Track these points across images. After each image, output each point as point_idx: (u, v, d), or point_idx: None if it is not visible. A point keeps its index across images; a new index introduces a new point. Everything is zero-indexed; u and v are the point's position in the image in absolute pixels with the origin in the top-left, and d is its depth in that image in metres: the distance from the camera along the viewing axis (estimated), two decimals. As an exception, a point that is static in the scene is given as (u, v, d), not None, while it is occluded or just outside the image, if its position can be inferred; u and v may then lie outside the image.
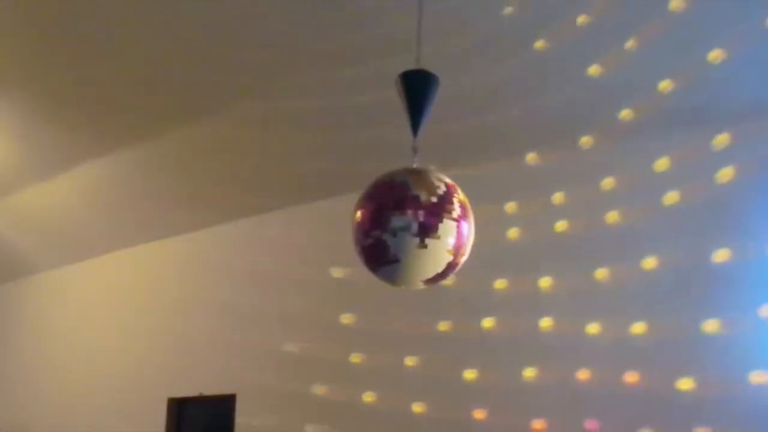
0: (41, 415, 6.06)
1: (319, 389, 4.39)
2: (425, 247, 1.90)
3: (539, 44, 3.11)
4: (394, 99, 2.17)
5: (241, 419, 4.74)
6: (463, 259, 2.01)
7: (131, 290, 5.79)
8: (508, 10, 2.96)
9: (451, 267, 1.99)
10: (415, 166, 2.06)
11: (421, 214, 1.90)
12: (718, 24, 2.89)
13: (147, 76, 3.71)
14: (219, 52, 3.45)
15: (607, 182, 3.59)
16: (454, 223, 1.94)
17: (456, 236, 1.95)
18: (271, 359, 4.67)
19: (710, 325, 3.18)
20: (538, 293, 3.69)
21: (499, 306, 3.79)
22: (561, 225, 3.69)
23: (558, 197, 3.72)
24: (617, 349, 3.41)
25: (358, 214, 2.00)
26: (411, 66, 2.14)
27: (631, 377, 3.33)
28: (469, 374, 3.79)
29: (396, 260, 1.92)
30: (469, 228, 1.99)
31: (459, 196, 1.99)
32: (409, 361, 4.05)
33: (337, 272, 4.47)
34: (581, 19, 2.94)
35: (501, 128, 3.69)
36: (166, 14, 3.23)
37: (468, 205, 2.02)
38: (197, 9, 3.18)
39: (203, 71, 3.61)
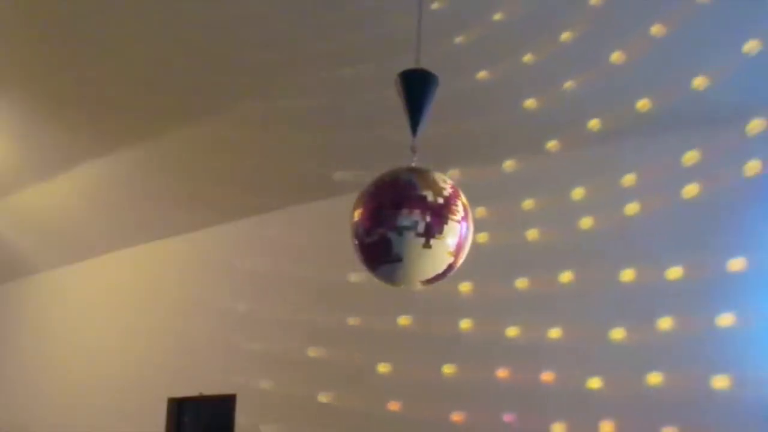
0: (41, 415, 6.06)
1: (319, 390, 4.38)
2: (429, 247, 1.90)
3: (540, 45, 3.11)
4: (394, 99, 2.17)
5: (241, 419, 4.74)
6: (461, 261, 2.02)
7: (131, 290, 5.79)
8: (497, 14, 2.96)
9: (450, 268, 2.00)
10: (413, 165, 2.06)
11: (428, 214, 1.90)
12: (701, 42, 2.88)
13: (147, 76, 3.71)
14: (219, 52, 3.45)
15: (619, 182, 3.56)
16: (458, 225, 1.95)
17: (458, 238, 1.95)
18: (271, 359, 4.67)
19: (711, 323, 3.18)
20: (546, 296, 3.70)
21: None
22: (586, 222, 3.62)
23: (578, 192, 3.68)
24: (580, 353, 3.46)
25: (360, 211, 1.99)
26: (411, 66, 2.14)
27: (547, 376, 3.46)
28: (501, 374, 3.72)
29: (398, 259, 1.92)
30: (468, 230, 2.00)
31: (462, 199, 2.00)
32: (408, 361, 4.06)
33: (337, 273, 4.47)
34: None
35: (501, 128, 3.69)
36: (166, 14, 3.24)
37: (468, 208, 2.02)
38: (197, 9, 3.18)
39: (203, 71, 3.61)
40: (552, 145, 3.70)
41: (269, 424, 4.56)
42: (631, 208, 3.48)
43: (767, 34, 2.85)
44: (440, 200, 1.93)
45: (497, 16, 3.00)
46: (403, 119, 2.13)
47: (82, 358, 5.92)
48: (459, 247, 1.97)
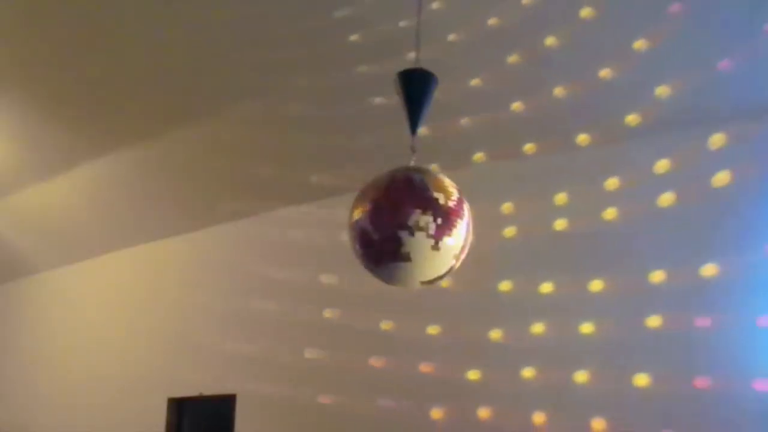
0: (41, 415, 6.06)
1: (319, 390, 4.38)
2: (438, 249, 1.92)
3: (544, 43, 3.12)
4: (394, 99, 2.17)
5: (241, 419, 4.74)
6: (458, 264, 2.03)
7: (131, 290, 5.79)
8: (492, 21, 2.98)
9: (450, 270, 2.01)
10: (412, 164, 2.06)
11: (439, 216, 1.92)
12: (720, 28, 2.89)
13: (147, 77, 3.72)
14: (219, 53, 3.45)
15: (609, 182, 3.59)
16: (464, 229, 1.97)
17: (462, 241, 1.98)
18: (272, 359, 4.67)
19: (702, 323, 3.20)
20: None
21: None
22: (560, 223, 3.69)
23: (560, 197, 3.72)
24: (564, 349, 3.49)
25: (366, 208, 1.98)
26: (410, 66, 2.14)
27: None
28: (473, 375, 3.79)
29: (407, 259, 1.92)
30: (469, 233, 2.02)
31: (466, 203, 2.02)
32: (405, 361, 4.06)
33: (337, 273, 4.47)
34: (585, 13, 2.95)
35: (500, 128, 3.69)
36: (166, 15, 3.24)
37: (469, 211, 2.04)
38: (197, 10, 3.18)
39: (203, 72, 3.62)
40: (529, 147, 3.75)
41: (269, 424, 4.56)
42: (611, 212, 3.54)
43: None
44: (450, 204, 1.95)
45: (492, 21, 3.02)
46: (402, 119, 2.13)
47: (82, 358, 5.92)
48: (462, 250, 1.99)
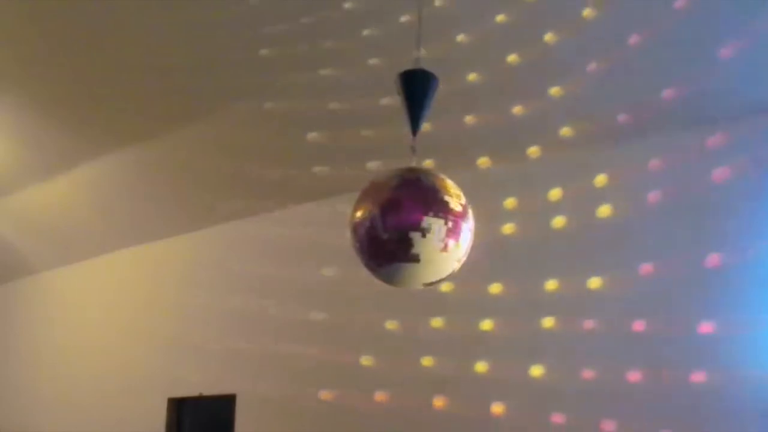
0: (41, 415, 6.07)
1: (319, 390, 4.39)
2: (447, 252, 1.93)
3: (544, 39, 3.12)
4: (394, 99, 2.17)
5: (241, 419, 4.74)
6: (459, 267, 2.04)
7: (131, 290, 5.79)
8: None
9: (451, 273, 2.02)
10: (413, 165, 2.06)
11: (450, 220, 1.93)
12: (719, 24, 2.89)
13: (147, 77, 3.72)
14: (219, 52, 3.45)
15: (603, 180, 3.61)
16: (469, 234, 2.00)
17: (467, 245, 2.00)
18: (271, 359, 4.67)
19: (705, 327, 3.21)
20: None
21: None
22: (558, 221, 3.71)
23: (555, 193, 3.74)
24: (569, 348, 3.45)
25: (374, 208, 1.97)
26: (411, 66, 2.14)
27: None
28: (480, 367, 3.81)
29: (416, 260, 1.93)
30: (471, 238, 2.03)
31: (470, 207, 2.04)
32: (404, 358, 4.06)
33: (337, 273, 4.47)
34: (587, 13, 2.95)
35: (501, 128, 3.69)
36: (165, 15, 3.24)
37: (472, 216, 2.06)
38: (197, 10, 3.18)
39: (203, 72, 3.61)
40: (533, 150, 3.78)
41: (269, 424, 4.56)
42: (605, 210, 3.57)
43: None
44: (459, 208, 1.97)
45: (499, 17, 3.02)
46: (402, 119, 2.13)
47: (82, 358, 5.92)
48: (465, 254, 2.01)
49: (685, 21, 2.82)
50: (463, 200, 2.00)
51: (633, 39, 2.98)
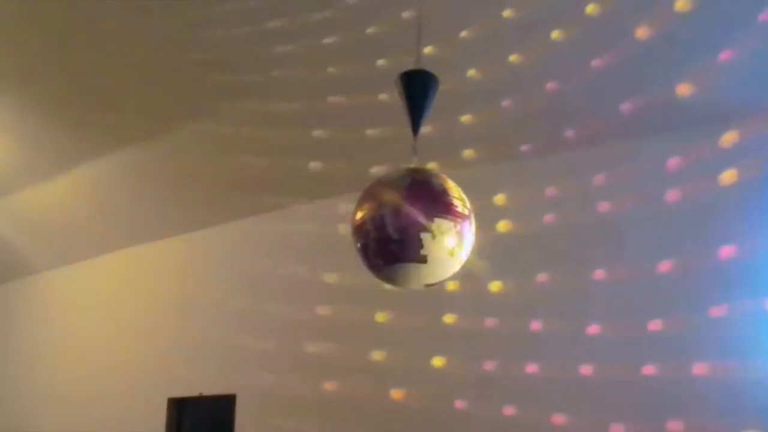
0: (41, 415, 6.07)
1: (320, 390, 4.39)
2: (453, 255, 1.95)
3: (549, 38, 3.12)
4: (394, 99, 2.17)
5: (241, 419, 4.74)
6: (459, 268, 2.05)
7: (131, 290, 5.80)
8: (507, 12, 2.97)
9: (452, 274, 2.04)
10: (413, 165, 2.06)
11: (459, 223, 1.95)
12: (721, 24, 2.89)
13: (147, 77, 3.71)
14: (219, 51, 3.45)
15: (599, 178, 3.63)
16: (473, 237, 2.01)
17: (469, 248, 2.01)
18: (271, 359, 4.68)
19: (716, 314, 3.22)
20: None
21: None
22: (560, 218, 3.72)
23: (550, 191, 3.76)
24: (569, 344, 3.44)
25: (381, 208, 1.97)
26: (411, 66, 2.14)
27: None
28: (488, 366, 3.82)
29: (424, 261, 1.93)
30: (472, 240, 2.05)
31: (472, 210, 2.05)
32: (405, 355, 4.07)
33: (337, 273, 4.47)
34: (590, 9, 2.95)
35: (500, 128, 3.70)
36: (165, 14, 3.24)
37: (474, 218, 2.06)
38: (198, 9, 3.18)
39: (203, 71, 3.61)
40: (527, 148, 3.79)
41: (269, 424, 4.56)
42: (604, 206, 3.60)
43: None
44: (466, 212, 1.99)
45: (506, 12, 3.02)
46: (402, 119, 2.14)
47: (82, 358, 5.92)
48: (467, 256, 2.03)
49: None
50: (467, 203, 2.02)
51: (640, 35, 2.97)
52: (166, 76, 3.70)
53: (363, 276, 2.14)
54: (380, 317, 4.23)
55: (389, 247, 1.95)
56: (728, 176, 3.29)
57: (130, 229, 5.66)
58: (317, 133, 4.06)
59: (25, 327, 6.76)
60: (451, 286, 3.87)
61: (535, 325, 3.67)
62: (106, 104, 4.01)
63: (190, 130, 4.20)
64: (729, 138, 3.31)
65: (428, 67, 2.13)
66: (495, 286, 3.85)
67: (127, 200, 5.23)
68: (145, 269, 5.78)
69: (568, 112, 3.50)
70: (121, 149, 4.53)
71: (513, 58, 3.20)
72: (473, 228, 2.02)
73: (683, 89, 3.18)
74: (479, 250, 2.11)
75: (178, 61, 3.56)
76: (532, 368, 3.63)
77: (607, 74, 3.16)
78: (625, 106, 3.37)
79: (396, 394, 4.07)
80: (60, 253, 6.28)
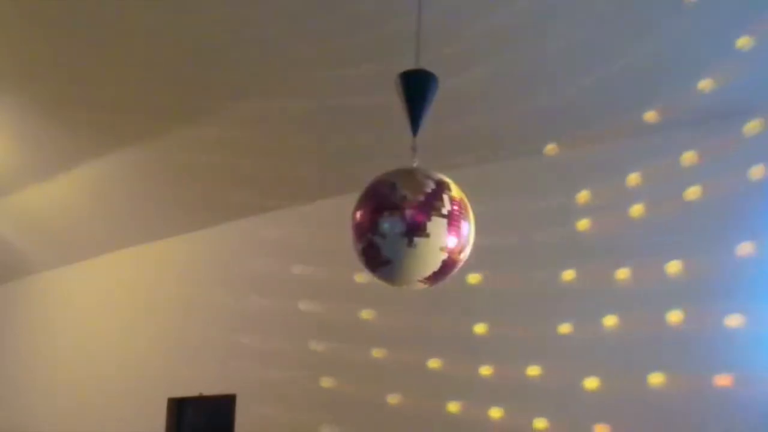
0: (41, 415, 6.06)
1: (320, 390, 4.39)
2: (414, 246, 1.90)
3: (544, 41, 3.11)
4: (394, 99, 2.17)
5: (241, 419, 4.74)
6: (463, 256, 2.00)
7: (131, 290, 5.80)
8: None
9: (448, 265, 1.97)
10: (414, 165, 2.06)
11: (408, 213, 1.90)
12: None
13: (147, 76, 3.71)
14: (219, 52, 3.45)
15: (632, 178, 3.58)
16: (444, 220, 1.93)
17: (449, 233, 1.94)
18: (272, 359, 4.67)
19: (734, 321, 3.18)
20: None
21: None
22: (582, 224, 3.69)
23: (582, 195, 3.72)
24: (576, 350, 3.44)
25: (355, 216, 2.02)
26: (411, 66, 2.14)
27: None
28: (485, 371, 3.81)
29: (388, 261, 1.94)
30: (466, 225, 1.98)
31: (452, 193, 1.98)
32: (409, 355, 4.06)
33: (338, 272, 4.47)
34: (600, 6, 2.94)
35: (501, 127, 3.70)
36: (166, 14, 3.23)
37: (465, 202, 2.01)
38: (198, 9, 3.18)
39: (203, 71, 3.61)
40: (550, 148, 3.76)
41: (269, 424, 4.56)
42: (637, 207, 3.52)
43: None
44: (421, 198, 1.93)
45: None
46: (402, 119, 2.14)
47: (82, 358, 5.92)
48: (454, 243, 1.95)
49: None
50: (430, 188, 1.95)
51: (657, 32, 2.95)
52: (166, 76, 3.70)
53: (363, 276, 2.15)
54: (381, 317, 4.22)
55: (362, 254, 2.00)
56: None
57: (130, 229, 5.66)
58: (317, 133, 4.06)
59: (25, 327, 6.76)
60: (451, 286, 3.85)
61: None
62: (106, 104, 4.01)
63: (190, 130, 4.20)
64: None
65: (428, 67, 2.13)
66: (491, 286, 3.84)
67: (127, 200, 5.23)
68: (145, 269, 5.78)
69: (583, 110, 3.48)
70: (121, 149, 4.53)
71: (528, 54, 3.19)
72: (443, 210, 1.94)
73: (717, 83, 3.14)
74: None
75: (178, 61, 3.56)
76: (533, 371, 3.63)
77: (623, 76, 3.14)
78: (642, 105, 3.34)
79: (396, 394, 4.07)
80: (60, 253, 6.28)
